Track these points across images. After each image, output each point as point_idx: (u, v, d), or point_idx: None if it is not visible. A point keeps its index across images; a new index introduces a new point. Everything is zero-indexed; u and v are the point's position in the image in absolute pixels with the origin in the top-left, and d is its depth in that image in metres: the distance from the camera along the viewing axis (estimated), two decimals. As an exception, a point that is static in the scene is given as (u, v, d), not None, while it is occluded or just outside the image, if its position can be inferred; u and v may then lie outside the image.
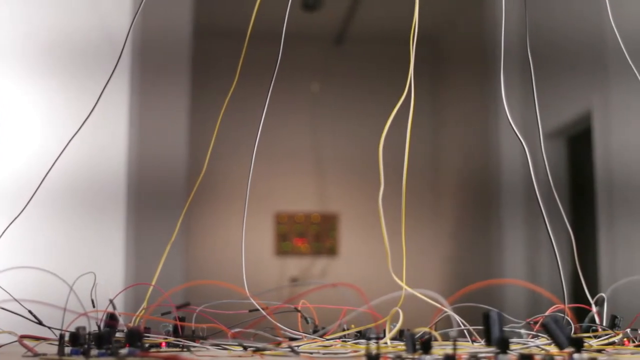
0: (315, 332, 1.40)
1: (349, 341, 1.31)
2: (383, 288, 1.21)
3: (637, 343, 1.32)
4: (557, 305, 1.33)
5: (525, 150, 1.30)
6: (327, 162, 7.75)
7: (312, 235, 7.67)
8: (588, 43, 4.64)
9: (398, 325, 1.20)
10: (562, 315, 1.28)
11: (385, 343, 1.19)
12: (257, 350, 1.16)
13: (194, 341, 1.32)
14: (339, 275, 7.34)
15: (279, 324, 1.29)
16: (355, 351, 1.16)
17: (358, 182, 7.42)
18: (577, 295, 1.49)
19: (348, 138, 7.69)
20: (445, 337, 1.24)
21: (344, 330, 1.37)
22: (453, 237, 7.32)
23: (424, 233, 7.67)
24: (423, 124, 7.78)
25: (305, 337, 1.33)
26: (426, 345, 0.89)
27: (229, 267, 6.07)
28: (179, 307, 1.34)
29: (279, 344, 1.15)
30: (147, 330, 1.36)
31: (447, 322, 1.27)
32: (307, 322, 1.47)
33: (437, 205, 7.75)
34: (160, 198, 4.44)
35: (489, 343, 0.93)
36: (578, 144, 5.28)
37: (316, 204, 7.71)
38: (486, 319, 0.92)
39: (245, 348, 1.21)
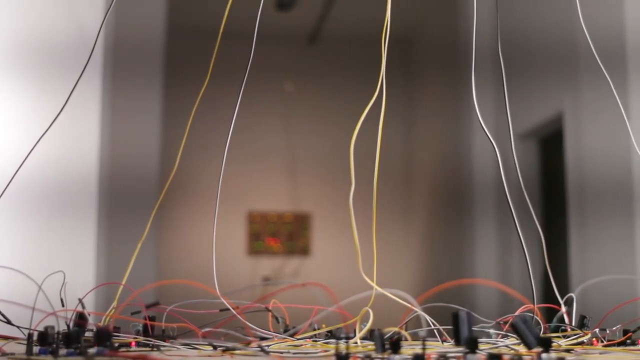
0: (285, 331, 1.40)
1: (319, 341, 1.31)
2: (355, 288, 1.21)
3: (605, 343, 1.33)
4: (526, 306, 1.34)
5: (495, 151, 1.31)
6: (300, 162, 7.75)
7: (285, 234, 7.67)
8: (560, 45, 4.67)
9: (368, 325, 1.20)
10: (532, 315, 1.29)
11: (355, 343, 1.19)
12: (227, 349, 1.16)
13: (164, 341, 1.32)
14: (312, 275, 7.35)
15: (249, 324, 1.28)
16: (325, 351, 1.16)
17: (331, 182, 7.42)
18: (548, 295, 1.50)
19: (321, 137, 7.69)
20: (415, 337, 1.24)
21: (314, 329, 1.37)
22: (425, 237, 7.34)
23: (396, 233, 7.69)
24: (396, 125, 7.80)
25: (276, 336, 1.33)
26: (395, 345, 0.89)
27: (202, 267, 6.05)
28: (148, 307, 1.33)
29: (248, 343, 1.15)
30: (117, 329, 1.36)
31: (418, 322, 1.28)
32: (278, 322, 1.47)
33: (410, 205, 7.77)
34: (132, 197, 4.42)
35: (457, 343, 0.93)
36: (550, 145, 5.31)
37: (289, 204, 7.70)
38: (455, 318, 0.93)
39: (215, 347, 1.20)
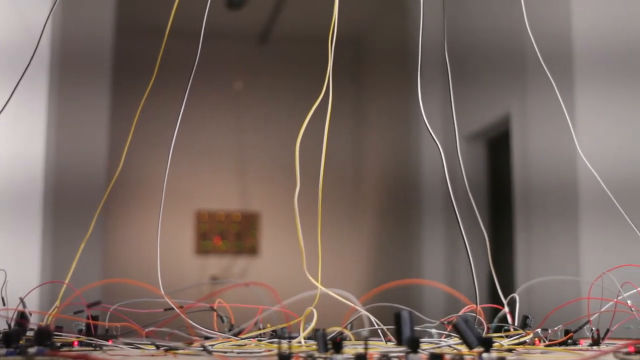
0: (230, 331, 1.40)
1: (263, 340, 1.31)
2: (303, 288, 1.21)
3: (547, 343, 1.34)
4: (470, 306, 1.35)
5: (440, 152, 1.32)
6: (249, 161, 7.73)
7: (233, 234, 7.65)
8: (508, 48, 4.71)
9: (312, 325, 1.20)
10: (474, 315, 1.30)
11: (299, 342, 1.19)
12: (170, 349, 1.15)
13: (107, 340, 1.31)
14: (260, 275, 7.33)
15: (192, 323, 1.28)
16: (269, 350, 1.16)
17: (280, 182, 7.41)
18: (494, 296, 1.51)
19: (270, 137, 7.68)
20: (359, 337, 1.25)
21: (259, 329, 1.37)
22: (374, 239, 7.36)
23: (345, 235, 7.71)
24: (345, 126, 7.82)
25: (220, 336, 1.33)
26: (338, 345, 0.90)
27: (149, 266, 6.00)
28: (89, 306, 1.32)
29: (191, 343, 1.14)
30: (60, 329, 1.34)
31: (364, 322, 1.28)
32: (223, 321, 1.46)
33: (359, 207, 7.79)
34: (79, 196, 4.38)
35: (399, 342, 0.93)
36: (497, 146, 5.36)
37: (237, 203, 7.68)
38: (397, 318, 0.93)
39: (158, 347, 1.20)
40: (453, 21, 5.51)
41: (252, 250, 7.68)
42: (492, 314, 1.47)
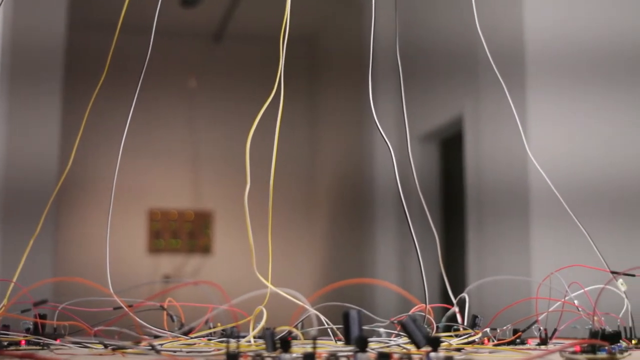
0: (183, 330, 1.39)
1: (213, 339, 1.30)
2: (256, 286, 1.21)
3: (496, 342, 1.35)
4: (419, 305, 1.35)
5: (391, 152, 1.32)
6: (203, 159, 7.70)
7: (186, 232, 7.61)
8: (461, 49, 4.75)
9: (261, 324, 1.20)
10: (422, 314, 1.31)
11: (249, 342, 1.19)
12: (118, 348, 1.15)
13: (55, 339, 1.29)
14: (213, 273, 7.30)
15: (141, 322, 1.27)
16: (219, 349, 1.16)
17: (234, 180, 7.38)
18: (447, 295, 1.52)
19: (224, 135, 7.64)
20: (309, 336, 1.25)
21: (210, 328, 1.37)
22: (326, 238, 7.37)
23: (299, 235, 7.71)
24: (299, 126, 7.82)
25: (170, 335, 1.32)
26: (286, 344, 0.90)
27: (101, 264, 5.95)
28: (36, 304, 1.31)
29: (139, 342, 1.14)
30: (7, 327, 1.33)
31: (314, 320, 1.28)
32: (173, 320, 1.46)
33: (311, 207, 7.79)
34: (29, 194, 4.33)
35: (348, 342, 0.93)
36: (450, 147, 5.39)
37: (191, 201, 7.65)
38: (346, 317, 0.93)
39: (106, 346, 1.19)
40: (407, 23, 5.54)
41: (205, 249, 7.65)
42: (444, 313, 1.48)
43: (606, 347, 1.10)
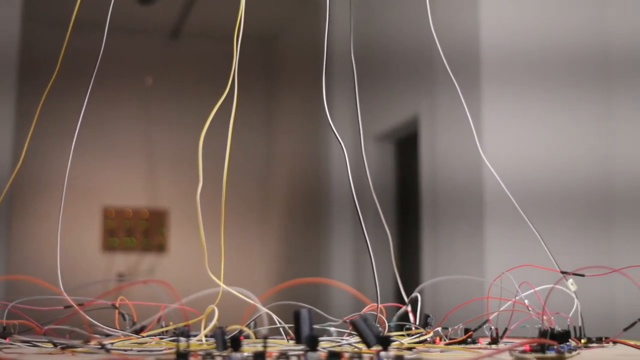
0: (134, 329, 1.38)
1: (164, 338, 1.30)
2: (211, 285, 1.21)
3: (447, 341, 1.36)
4: (372, 305, 1.36)
5: (344, 151, 1.32)
6: (158, 157, 7.66)
7: (141, 231, 7.56)
8: (418, 50, 4.77)
9: (213, 323, 1.19)
10: (374, 314, 1.31)
11: (200, 340, 1.18)
12: (67, 347, 1.14)
13: (4, 338, 1.28)
14: (168, 272, 7.27)
15: (92, 320, 1.26)
16: (170, 348, 1.15)
17: (189, 179, 7.35)
18: (401, 295, 1.53)
19: (180, 133, 7.60)
20: (260, 335, 1.25)
21: (162, 327, 1.36)
22: (282, 238, 7.37)
23: (253, 234, 7.70)
24: (256, 125, 7.81)
25: (121, 334, 1.31)
26: (236, 343, 0.89)
27: (55, 263, 5.88)
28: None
29: (88, 341, 1.13)
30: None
31: (269, 320, 1.28)
32: (125, 319, 1.45)
33: (267, 206, 7.78)
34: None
35: (298, 341, 0.93)
36: (406, 147, 5.41)
37: (146, 200, 7.60)
38: (296, 316, 0.93)
39: (55, 345, 1.18)
40: (364, 24, 5.55)
41: (160, 247, 7.61)
42: (404, 314, 1.49)
43: (555, 347, 1.11)
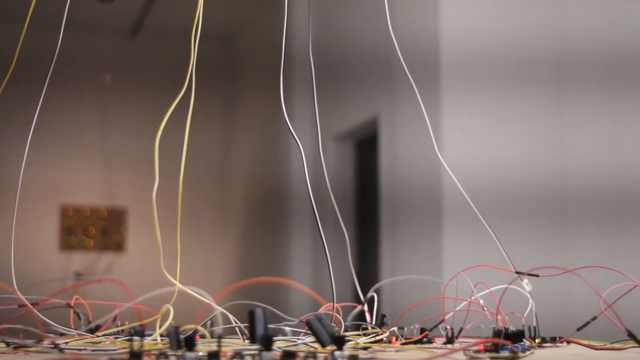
0: (89, 328, 1.37)
1: (119, 338, 1.29)
2: (168, 285, 1.20)
3: (403, 341, 1.36)
4: (328, 304, 1.36)
5: (301, 151, 1.32)
6: (117, 156, 7.60)
7: (99, 229, 7.51)
8: (378, 51, 4.78)
9: (168, 322, 1.19)
10: (329, 313, 1.31)
11: (155, 340, 1.18)
12: (20, 346, 1.12)
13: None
14: (126, 271, 7.21)
15: (46, 319, 1.25)
16: (125, 348, 1.15)
17: (148, 177, 7.30)
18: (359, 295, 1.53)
19: (139, 131, 7.55)
20: (215, 334, 1.24)
21: (118, 326, 1.36)
22: (242, 238, 7.35)
23: (212, 234, 7.67)
24: (215, 125, 7.79)
25: (76, 333, 1.30)
26: (190, 342, 0.89)
27: (11, 261, 5.82)
28: None
29: (41, 340, 1.12)
30: None
31: (226, 320, 1.28)
32: (80, 319, 1.44)
33: (227, 206, 7.76)
34: None
35: (253, 340, 0.93)
36: (366, 147, 5.43)
37: (104, 198, 7.54)
38: (251, 316, 0.93)
39: (8, 344, 1.16)
40: (324, 25, 5.56)
41: (118, 246, 7.55)
42: (360, 312, 1.49)
43: (509, 346, 1.12)
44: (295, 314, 1.42)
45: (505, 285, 1.33)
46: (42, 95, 1.36)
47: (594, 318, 1.34)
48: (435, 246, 4.05)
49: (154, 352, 0.96)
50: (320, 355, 0.96)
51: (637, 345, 1.23)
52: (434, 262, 4.05)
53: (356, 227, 5.46)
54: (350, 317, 1.39)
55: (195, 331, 1.09)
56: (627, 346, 1.32)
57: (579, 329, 1.38)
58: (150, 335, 1.20)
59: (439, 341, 1.40)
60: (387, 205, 4.62)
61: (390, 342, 1.34)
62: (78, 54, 7.24)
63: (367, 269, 5.00)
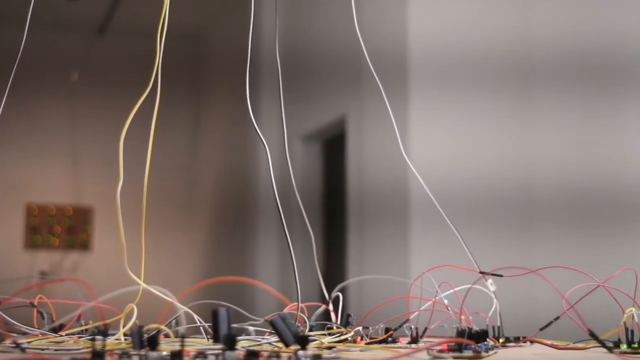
0: (51, 327, 1.36)
1: (83, 337, 1.28)
2: (134, 284, 1.20)
3: (368, 340, 1.37)
4: (293, 304, 1.36)
5: (266, 150, 1.33)
6: (83, 154, 7.55)
7: (65, 228, 7.45)
8: (347, 51, 4.79)
9: (131, 322, 1.18)
10: (293, 313, 1.31)
11: (119, 339, 1.17)
12: (-20, 346, 1.11)
13: None
14: (92, 270, 7.16)
15: (8, 318, 1.24)
16: (88, 347, 1.14)
17: (116, 176, 7.26)
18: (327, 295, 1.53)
19: (105, 130, 7.49)
20: (179, 334, 1.24)
21: (82, 325, 1.35)
22: (209, 238, 7.33)
23: (180, 233, 7.64)
24: (183, 125, 7.76)
25: (39, 332, 1.29)
26: (153, 342, 0.89)
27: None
28: None
29: (2, 339, 1.11)
30: None
31: (191, 319, 1.28)
32: (43, 318, 1.43)
33: (194, 206, 7.73)
34: None
35: (217, 340, 0.93)
36: (333, 147, 5.43)
37: (70, 197, 7.49)
38: (215, 315, 0.93)
39: (-31, 344, 1.15)
40: (294, 25, 5.55)
41: (84, 245, 7.50)
42: (323, 312, 1.49)
43: (472, 346, 1.12)
44: (261, 314, 1.42)
45: (469, 285, 1.34)
46: (6, 93, 1.35)
47: (557, 318, 1.35)
48: (402, 246, 4.06)
49: (116, 351, 0.96)
50: (284, 355, 0.96)
51: (599, 345, 1.24)
52: (400, 262, 4.06)
53: (324, 227, 5.46)
54: (314, 317, 1.39)
55: (159, 331, 1.09)
56: (589, 346, 1.33)
57: (541, 329, 1.39)
58: (114, 334, 1.19)
59: (404, 341, 1.40)
60: (355, 205, 4.63)
61: (355, 341, 1.34)
62: (45, 52, 7.19)
63: (335, 269, 5.00)
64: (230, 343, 0.89)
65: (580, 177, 3.97)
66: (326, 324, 1.42)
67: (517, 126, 4.19)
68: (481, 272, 1.40)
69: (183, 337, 0.92)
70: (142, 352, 0.92)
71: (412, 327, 1.38)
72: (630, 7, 3.85)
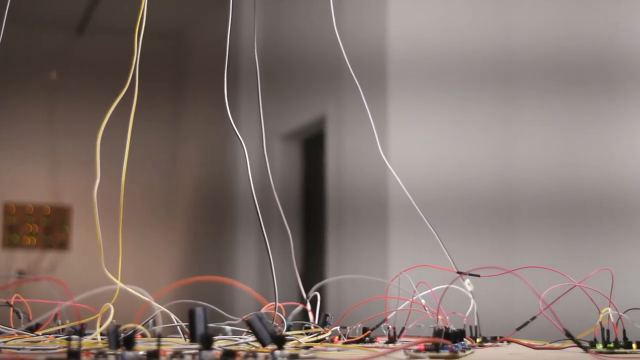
0: (28, 327, 1.36)
1: (60, 337, 1.28)
2: (112, 284, 1.19)
3: (345, 340, 1.37)
4: (271, 304, 1.36)
5: (244, 150, 1.33)
6: (62, 153, 7.51)
7: (43, 227, 7.41)
8: (327, 51, 4.79)
9: (108, 321, 1.18)
10: (271, 312, 1.31)
11: (95, 339, 1.17)
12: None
13: None
14: (70, 270, 7.13)
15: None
16: (64, 347, 1.13)
17: (94, 175, 7.23)
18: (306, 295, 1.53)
19: (84, 129, 7.45)
20: (155, 334, 1.24)
21: (59, 325, 1.34)
22: (188, 237, 7.32)
23: (158, 233, 7.62)
24: (162, 124, 7.74)
25: (15, 332, 1.29)
26: (129, 341, 0.89)
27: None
28: None
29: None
30: None
31: (169, 319, 1.28)
32: (20, 317, 1.42)
33: (173, 205, 7.71)
34: None
35: (193, 339, 0.93)
36: (313, 147, 5.43)
37: (48, 196, 7.45)
38: (191, 315, 0.93)
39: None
40: (273, 25, 5.55)
41: (62, 245, 7.47)
42: (300, 312, 1.49)
43: (449, 346, 1.13)
44: (240, 314, 1.42)
45: (447, 285, 1.35)
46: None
47: (533, 318, 1.36)
48: (380, 246, 4.06)
49: (92, 351, 0.96)
50: (261, 355, 0.96)
51: (575, 344, 1.24)
52: (379, 261, 4.07)
53: (303, 227, 5.46)
54: (290, 317, 1.39)
55: (135, 330, 1.09)
56: (565, 346, 1.34)
57: (518, 329, 1.39)
58: (90, 334, 1.19)
59: (381, 340, 1.41)
60: (334, 205, 4.63)
61: (332, 341, 1.34)
62: (23, 50, 7.15)
63: (314, 269, 5.00)
64: (206, 343, 0.89)
65: (559, 178, 3.99)
66: (304, 324, 1.42)
67: (496, 126, 4.20)
68: (459, 272, 1.40)
69: (159, 336, 0.92)
70: (119, 351, 0.91)
71: (390, 326, 1.39)
72: (610, 7, 3.87)
